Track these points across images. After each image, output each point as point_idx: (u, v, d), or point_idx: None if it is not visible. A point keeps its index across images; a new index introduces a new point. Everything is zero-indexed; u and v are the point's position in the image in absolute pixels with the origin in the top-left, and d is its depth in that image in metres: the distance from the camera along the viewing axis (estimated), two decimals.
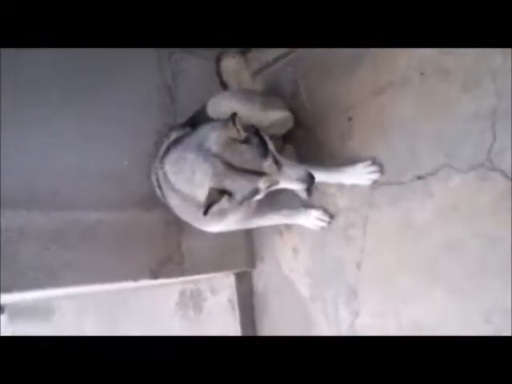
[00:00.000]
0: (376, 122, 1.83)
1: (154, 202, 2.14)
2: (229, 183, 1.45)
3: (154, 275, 2.06)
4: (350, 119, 1.94)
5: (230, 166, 1.44)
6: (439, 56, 1.65)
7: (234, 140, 1.46)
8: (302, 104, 2.19)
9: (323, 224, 2.00)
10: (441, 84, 1.64)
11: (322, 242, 2.05)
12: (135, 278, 1.95)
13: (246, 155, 1.46)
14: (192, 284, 2.60)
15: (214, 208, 1.44)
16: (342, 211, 1.96)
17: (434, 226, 1.64)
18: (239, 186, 1.46)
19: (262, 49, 2.40)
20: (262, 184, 1.49)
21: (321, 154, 2.02)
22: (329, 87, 2.07)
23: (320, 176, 1.81)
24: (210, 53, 2.58)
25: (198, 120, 1.88)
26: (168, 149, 1.75)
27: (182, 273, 2.17)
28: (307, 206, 2.05)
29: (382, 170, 1.79)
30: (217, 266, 2.31)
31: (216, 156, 1.45)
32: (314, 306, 2.09)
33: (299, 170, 1.53)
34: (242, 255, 2.42)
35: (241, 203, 1.54)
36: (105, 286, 1.91)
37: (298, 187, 1.62)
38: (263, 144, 1.49)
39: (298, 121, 2.13)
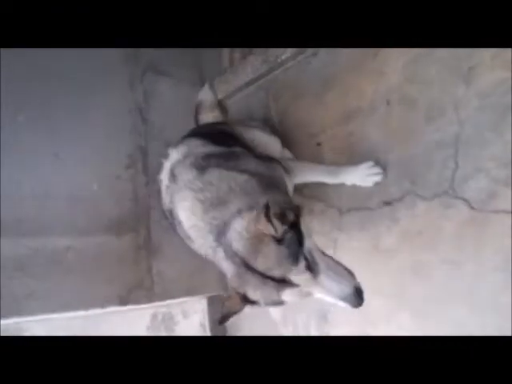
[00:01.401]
0: (344, 148, 1.86)
1: (124, 225, 2.13)
2: (251, 291, 1.20)
3: (123, 302, 2.02)
4: (319, 144, 1.97)
5: (254, 270, 1.18)
6: (405, 85, 1.69)
7: (264, 236, 1.18)
8: (273, 128, 2.21)
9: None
10: (406, 112, 1.68)
11: None
12: (103, 306, 1.92)
13: (273, 258, 1.17)
14: (164, 308, 2.57)
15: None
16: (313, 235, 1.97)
17: (400, 251, 1.67)
18: (262, 293, 1.20)
19: (236, 72, 2.42)
20: (288, 296, 1.20)
21: None
22: (299, 112, 2.10)
23: (321, 176, 1.79)
24: (184, 73, 2.60)
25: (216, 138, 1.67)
26: (173, 175, 1.56)
27: (153, 298, 2.14)
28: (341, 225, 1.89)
29: (384, 173, 1.72)
30: (189, 291, 2.28)
31: (237, 255, 1.22)
32: (286, 330, 2.09)
33: (343, 284, 1.19)
34: (214, 279, 2.40)
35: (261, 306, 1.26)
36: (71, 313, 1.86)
37: (339, 303, 1.22)
38: (297, 241, 1.19)
39: None
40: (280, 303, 1.23)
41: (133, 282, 2.10)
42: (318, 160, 1.96)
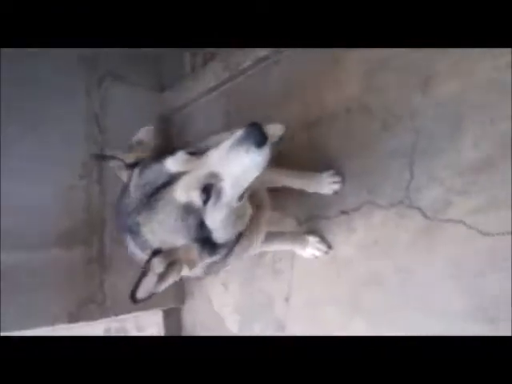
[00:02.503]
0: (305, 156, 1.84)
1: (75, 238, 2.03)
2: (149, 235, 1.02)
3: (74, 318, 1.92)
4: (280, 152, 1.94)
5: (135, 210, 1.03)
6: (364, 93, 1.70)
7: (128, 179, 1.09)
8: None
9: (318, 254, 1.73)
10: (365, 121, 1.69)
11: (252, 277, 2.01)
12: (52, 323, 1.81)
13: (141, 177, 1.04)
14: (117, 322, 2.45)
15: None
16: None
17: (357, 260, 1.65)
18: (160, 225, 1.00)
19: (197, 78, 2.38)
20: (184, 193, 0.97)
21: None
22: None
23: (284, 180, 1.72)
24: (143, 79, 2.54)
25: None
26: None
27: (105, 313, 2.04)
28: (305, 232, 1.81)
29: (343, 181, 1.72)
30: (143, 304, 2.16)
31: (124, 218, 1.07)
32: None
33: (231, 134, 0.97)
34: (171, 291, 2.32)
35: (211, 250, 1.09)
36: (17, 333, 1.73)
37: (250, 158, 0.94)
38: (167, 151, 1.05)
39: None
40: (195, 218, 0.99)
41: (84, 297, 2.00)
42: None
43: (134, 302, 0.96)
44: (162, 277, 1.01)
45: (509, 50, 1.36)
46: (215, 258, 1.13)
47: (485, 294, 1.32)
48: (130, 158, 1.11)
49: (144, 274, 0.97)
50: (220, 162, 0.96)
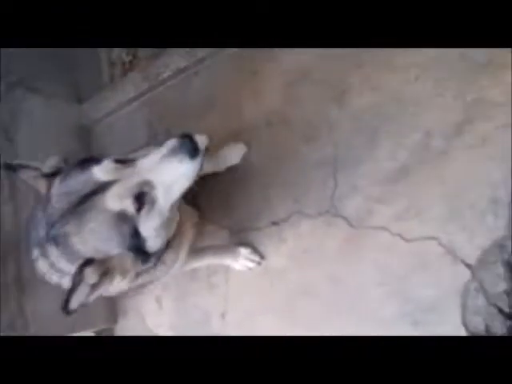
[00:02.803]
0: (229, 170, 1.83)
1: None
2: (79, 244, 0.99)
3: None
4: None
5: (61, 219, 0.97)
6: (283, 107, 1.72)
7: (48, 190, 1.03)
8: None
9: (251, 265, 1.73)
10: (286, 132, 1.71)
11: (186, 291, 1.97)
12: None
13: (65, 184, 1.00)
14: None
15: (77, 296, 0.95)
16: None
17: (288, 270, 1.68)
18: (91, 234, 0.97)
19: (116, 89, 2.29)
20: (115, 202, 0.95)
21: None
22: (183, 131, 2.03)
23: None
24: (58, 90, 2.39)
25: None
26: None
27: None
28: (236, 243, 1.80)
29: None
30: (71, 328, 2.06)
31: (46, 233, 1.02)
32: None
33: (163, 144, 0.99)
34: (102, 311, 2.22)
35: (144, 258, 1.08)
36: None
37: (181, 168, 0.99)
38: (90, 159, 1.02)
39: None
40: (129, 227, 0.99)
41: (3, 323, 1.85)
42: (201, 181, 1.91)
43: (67, 313, 0.93)
44: (94, 286, 0.98)
45: (416, 63, 1.44)
46: (147, 266, 1.14)
47: (410, 298, 1.39)
48: (47, 168, 1.06)
49: (76, 284, 0.94)
50: (152, 171, 0.97)
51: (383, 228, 1.46)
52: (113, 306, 2.28)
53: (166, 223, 1.08)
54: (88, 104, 2.40)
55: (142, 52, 2.27)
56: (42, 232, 1.04)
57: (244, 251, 1.75)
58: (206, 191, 1.81)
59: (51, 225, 0.99)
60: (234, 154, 1.78)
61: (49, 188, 1.03)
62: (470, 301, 1.28)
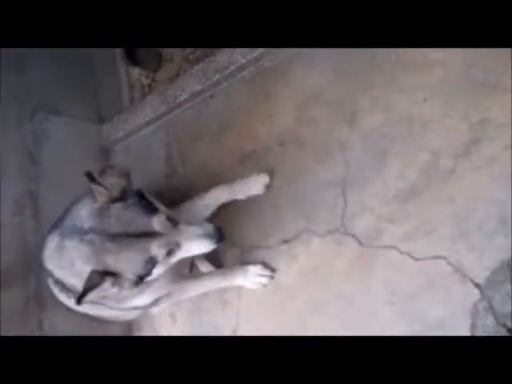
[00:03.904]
0: None
1: (10, 277, 1.94)
2: (111, 260, 1.19)
3: None
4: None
5: (111, 236, 1.19)
6: (296, 128, 1.77)
7: (106, 204, 1.22)
8: (175, 168, 2.19)
9: (264, 280, 1.76)
10: (298, 153, 1.75)
11: (199, 308, 2.00)
12: None
13: (127, 215, 1.21)
14: None
15: (93, 294, 1.16)
16: None
17: (299, 288, 1.69)
18: (126, 259, 1.20)
19: (136, 111, 2.37)
20: (156, 249, 1.22)
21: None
22: (200, 152, 2.10)
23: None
24: (80, 111, 2.48)
25: None
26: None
27: None
28: (243, 263, 1.84)
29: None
30: None
31: (91, 231, 1.21)
32: None
33: (201, 224, 1.32)
34: (117, 327, 2.25)
35: (138, 282, 1.27)
36: None
37: (205, 246, 1.32)
38: (148, 202, 1.27)
39: (172, 186, 2.12)
40: (151, 262, 1.25)
41: None
42: None
43: (80, 303, 1.14)
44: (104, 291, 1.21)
45: (424, 85, 1.48)
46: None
47: (419, 317, 1.40)
48: (113, 193, 1.26)
49: (96, 284, 1.16)
50: (188, 239, 1.29)
51: (392, 247, 1.47)
52: (127, 322, 2.31)
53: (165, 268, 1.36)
54: (108, 125, 2.49)
55: (160, 75, 2.36)
56: (83, 224, 1.24)
57: (253, 269, 1.77)
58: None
59: (99, 233, 1.21)
60: (257, 185, 1.78)
61: (108, 204, 1.24)
62: (479, 321, 1.28)
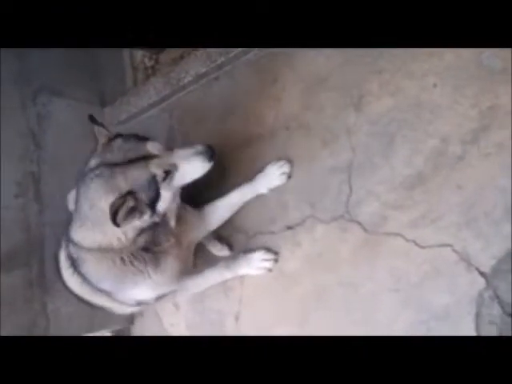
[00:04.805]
0: (248, 172, 1.85)
1: (13, 260, 1.94)
2: (122, 181, 1.32)
3: None
4: (224, 169, 1.95)
5: (116, 164, 1.33)
6: (302, 112, 1.74)
7: (108, 140, 1.40)
8: None
9: (269, 265, 1.76)
10: (304, 138, 1.73)
11: (202, 294, 1.99)
12: None
13: (125, 145, 1.37)
14: None
15: (122, 214, 1.29)
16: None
17: (303, 274, 1.69)
18: (134, 179, 1.33)
19: (139, 93, 2.35)
20: (154, 168, 1.35)
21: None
22: (203, 135, 2.07)
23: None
24: (82, 94, 2.46)
25: None
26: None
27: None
28: (247, 249, 1.83)
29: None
30: (90, 327, 2.12)
31: (97, 166, 1.36)
32: None
33: (193, 145, 1.42)
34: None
35: (154, 210, 1.40)
36: None
37: (200, 166, 1.42)
38: (142, 137, 1.41)
39: None
40: (153, 180, 1.35)
41: (25, 322, 1.91)
42: (223, 183, 1.94)
43: (117, 225, 1.28)
44: (132, 211, 1.33)
45: (435, 70, 1.45)
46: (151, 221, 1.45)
47: (423, 306, 1.39)
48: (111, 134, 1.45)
49: (121, 203, 1.29)
50: (182, 159, 1.39)
51: (398, 234, 1.46)
52: None
53: (172, 199, 1.46)
54: (110, 107, 2.46)
55: (164, 57, 2.33)
56: (91, 165, 1.39)
57: (256, 255, 1.77)
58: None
59: (106, 165, 1.35)
60: (277, 176, 1.74)
61: (108, 141, 1.41)
62: (485, 310, 1.27)
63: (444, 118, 1.41)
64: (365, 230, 1.53)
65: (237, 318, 1.85)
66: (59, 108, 2.33)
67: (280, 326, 1.72)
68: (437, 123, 1.43)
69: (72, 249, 1.52)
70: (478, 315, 1.28)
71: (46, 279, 2.01)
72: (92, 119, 1.44)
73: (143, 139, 1.40)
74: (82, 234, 1.47)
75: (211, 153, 1.41)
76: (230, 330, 1.87)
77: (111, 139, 1.41)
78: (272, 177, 1.75)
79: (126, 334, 2.30)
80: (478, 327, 1.28)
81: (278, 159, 1.76)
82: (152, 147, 1.38)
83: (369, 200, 1.53)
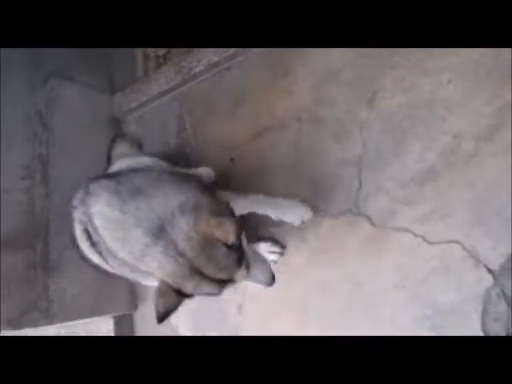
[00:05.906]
0: (256, 164, 1.86)
1: (17, 241, 1.94)
2: (190, 288, 1.13)
3: (15, 325, 1.82)
4: (232, 160, 1.95)
5: (199, 272, 1.12)
6: (314, 105, 1.74)
7: (216, 241, 1.12)
8: (187, 140, 2.17)
9: (274, 257, 1.73)
10: (315, 131, 1.73)
11: None
12: None
13: (223, 263, 1.14)
14: (67, 328, 2.36)
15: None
16: None
17: (308, 267, 1.69)
18: (201, 291, 1.17)
19: (149, 82, 2.34)
20: (224, 291, 1.23)
21: None
22: (213, 126, 2.07)
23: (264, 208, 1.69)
24: (93, 80, 2.46)
25: None
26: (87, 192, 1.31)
27: (50, 320, 1.95)
28: (254, 240, 1.77)
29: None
30: (92, 311, 2.12)
31: (182, 256, 1.10)
32: None
33: (267, 274, 1.32)
34: (122, 297, 2.27)
35: None
36: None
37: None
38: (241, 246, 1.20)
39: (184, 158, 2.10)
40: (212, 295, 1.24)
41: (26, 303, 1.91)
42: (230, 175, 1.94)
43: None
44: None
45: (450, 67, 1.44)
46: None
47: (430, 302, 1.39)
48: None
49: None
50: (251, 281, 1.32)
51: (406, 229, 1.46)
52: (133, 292, 2.32)
53: None
54: (120, 95, 2.46)
55: None
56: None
57: (263, 245, 1.76)
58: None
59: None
60: (295, 216, 1.65)
61: None
62: (492, 307, 1.27)
63: (458, 115, 1.41)
64: (373, 224, 1.53)
65: (240, 309, 1.85)
66: (69, 92, 2.32)
67: (282, 318, 1.72)
68: (450, 120, 1.43)
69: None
70: (484, 312, 1.28)
71: (49, 261, 2.01)
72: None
73: (239, 262, 1.21)
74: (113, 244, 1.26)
75: (273, 283, 1.34)
76: (233, 319, 1.87)
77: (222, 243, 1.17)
78: (290, 213, 1.66)
79: (127, 320, 2.29)
80: (483, 324, 1.28)
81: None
82: (239, 275, 1.23)
83: (378, 195, 1.53)
